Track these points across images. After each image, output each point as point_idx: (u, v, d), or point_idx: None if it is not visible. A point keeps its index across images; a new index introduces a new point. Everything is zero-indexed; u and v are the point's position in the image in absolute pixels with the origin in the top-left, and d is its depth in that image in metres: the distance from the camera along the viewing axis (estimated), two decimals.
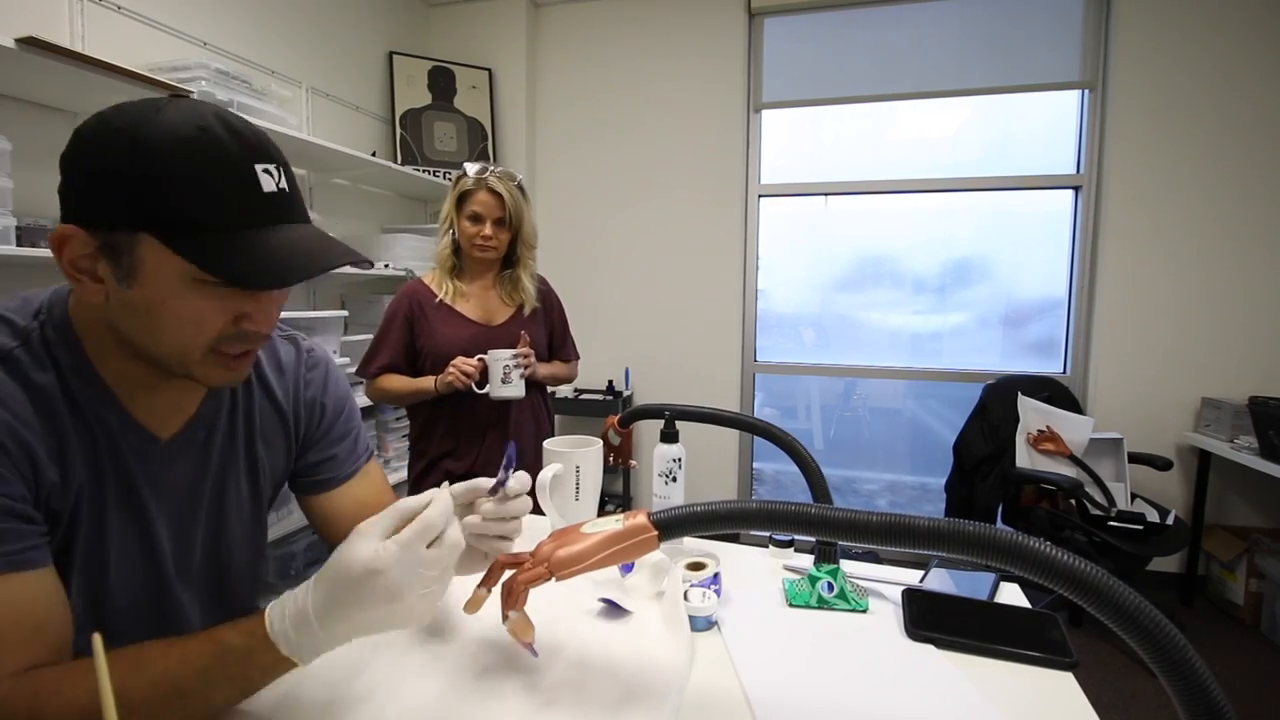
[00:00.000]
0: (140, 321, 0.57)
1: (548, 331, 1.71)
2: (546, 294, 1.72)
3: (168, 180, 0.52)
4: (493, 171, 1.54)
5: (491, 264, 1.62)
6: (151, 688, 0.53)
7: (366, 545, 0.55)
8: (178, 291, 0.55)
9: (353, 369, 1.80)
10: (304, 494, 0.83)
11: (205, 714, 0.57)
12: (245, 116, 0.63)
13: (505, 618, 0.64)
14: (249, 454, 0.76)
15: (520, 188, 1.58)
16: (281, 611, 0.56)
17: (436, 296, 1.58)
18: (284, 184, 0.58)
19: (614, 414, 1.23)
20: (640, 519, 0.60)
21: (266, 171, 0.56)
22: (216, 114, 0.56)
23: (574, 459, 0.96)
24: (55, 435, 0.58)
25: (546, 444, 0.99)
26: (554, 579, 0.62)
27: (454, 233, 1.58)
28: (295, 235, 0.58)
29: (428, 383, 1.52)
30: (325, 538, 0.85)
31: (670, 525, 0.59)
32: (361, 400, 2.20)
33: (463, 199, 1.55)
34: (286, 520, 1.97)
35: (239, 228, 0.55)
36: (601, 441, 1.03)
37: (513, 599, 0.63)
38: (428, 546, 0.56)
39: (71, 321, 0.61)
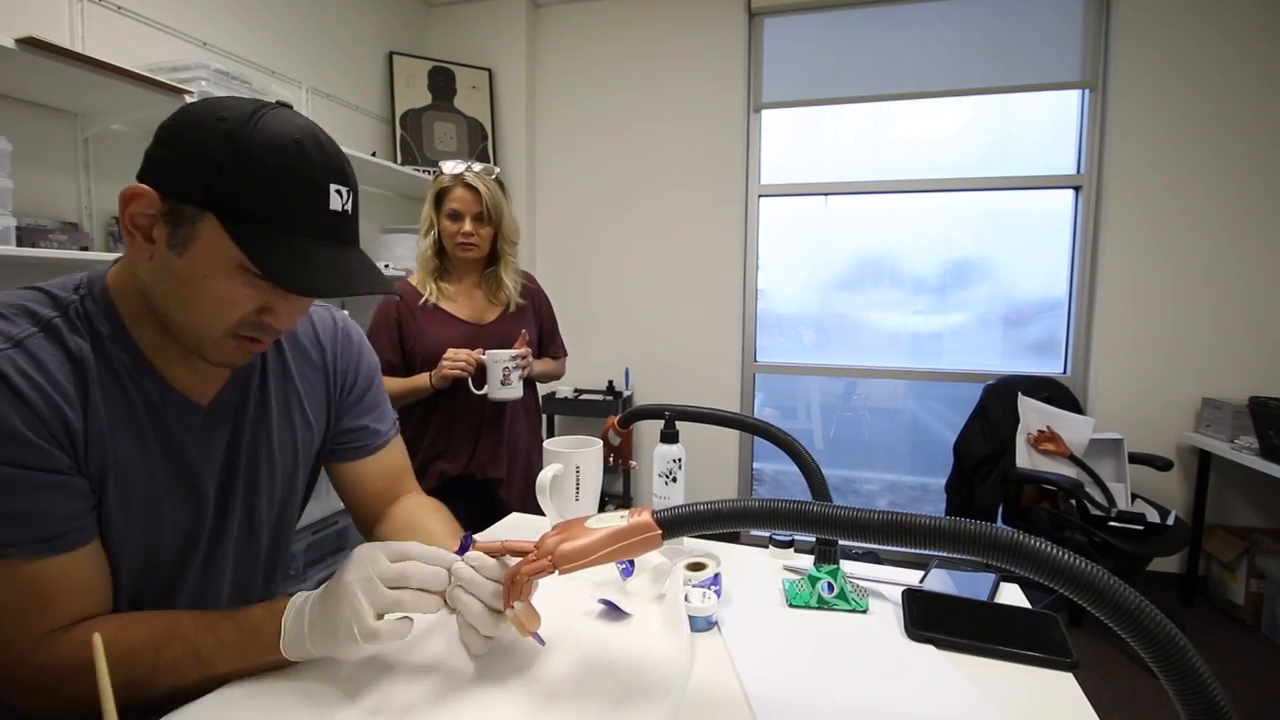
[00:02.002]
0: (176, 290, 0.61)
1: (537, 328, 1.70)
2: (535, 291, 1.71)
3: (250, 176, 0.57)
4: (470, 167, 1.52)
5: (476, 263, 1.60)
6: (173, 644, 0.61)
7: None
8: (220, 272, 0.59)
9: None
10: (337, 461, 0.87)
11: (206, 683, 0.63)
12: None
13: (509, 608, 0.64)
14: (285, 417, 0.78)
15: (499, 182, 1.56)
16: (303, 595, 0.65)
17: (422, 297, 1.56)
18: (348, 206, 0.64)
19: (614, 414, 1.23)
20: (644, 517, 0.60)
21: (338, 192, 0.62)
22: (312, 132, 0.61)
23: (574, 459, 0.96)
24: (93, 403, 0.61)
25: (546, 444, 0.99)
26: (557, 572, 0.62)
27: (436, 233, 1.56)
28: (342, 255, 0.63)
29: (422, 380, 1.50)
30: (352, 505, 0.91)
31: (674, 523, 0.59)
32: None
33: (440, 197, 1.53)
34: None
35: (296, 234, 0.59)
36: (601, 442, 1.03)
37: (516, 589, 0.64)
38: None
39: (111, 295, 0.65)
